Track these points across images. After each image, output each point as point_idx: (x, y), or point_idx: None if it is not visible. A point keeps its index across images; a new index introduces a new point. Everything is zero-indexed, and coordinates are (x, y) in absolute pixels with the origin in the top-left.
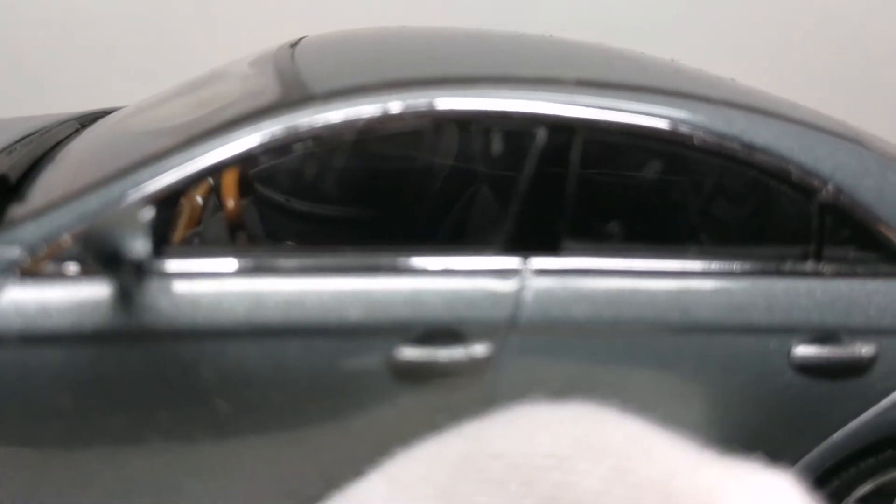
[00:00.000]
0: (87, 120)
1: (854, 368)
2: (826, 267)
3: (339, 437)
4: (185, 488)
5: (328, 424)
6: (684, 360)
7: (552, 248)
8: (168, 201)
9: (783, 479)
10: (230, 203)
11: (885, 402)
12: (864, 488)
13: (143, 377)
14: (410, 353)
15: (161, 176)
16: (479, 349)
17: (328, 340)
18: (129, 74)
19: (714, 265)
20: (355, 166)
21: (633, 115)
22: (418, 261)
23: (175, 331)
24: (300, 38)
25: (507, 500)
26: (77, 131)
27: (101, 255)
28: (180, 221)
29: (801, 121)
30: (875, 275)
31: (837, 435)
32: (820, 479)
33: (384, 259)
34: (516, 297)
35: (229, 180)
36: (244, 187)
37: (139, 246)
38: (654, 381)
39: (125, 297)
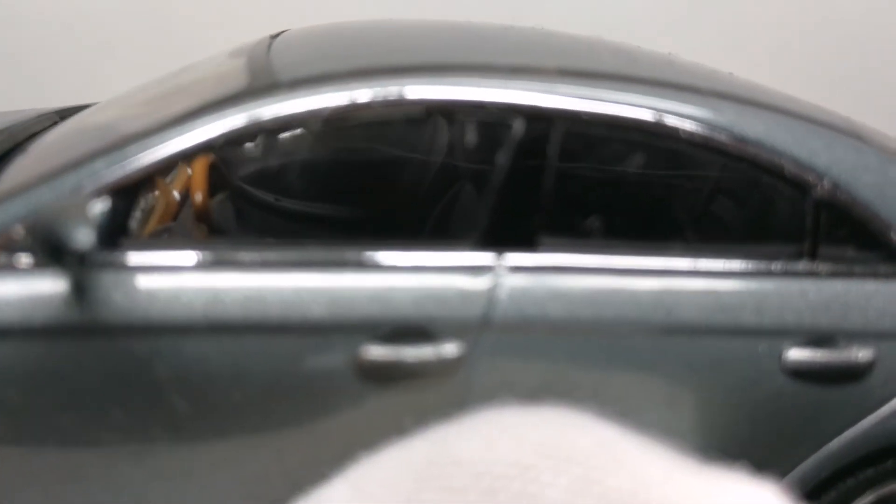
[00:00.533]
0: (68, 113)
1: (850, 374)
2: (821, 266)
3: (302, 439)
4: (142, 489)
5: (291, 425)
6: (668, 362)
7: (529, 244)
8: (128, 192)
9: (768, 490)
10: (198, 196)
11: (884, 410)
12: (864, 500)
13: (96, 374)
14: (377, 351)
15: (117, 166)
16: (449, 348)
17: (290, 338)
18: (130, 71)
19: (700, 263)
20: (326, 159)
21: (616, 105)
22: (386, 256)
23: (129, 326)
24: (282, 31)
25: None
26: (54, 124)
27: (44, 245)
28: (154, 214)
29: (797, 113)
30: (874, 275)
31: (834, 444)
32: (815, 490)
33: (350, 254)
34: (489, 295)
35: (200, 173)
36: (221, 181)
37: (83, 236)
38: (636, 384)
39: (77, 291)
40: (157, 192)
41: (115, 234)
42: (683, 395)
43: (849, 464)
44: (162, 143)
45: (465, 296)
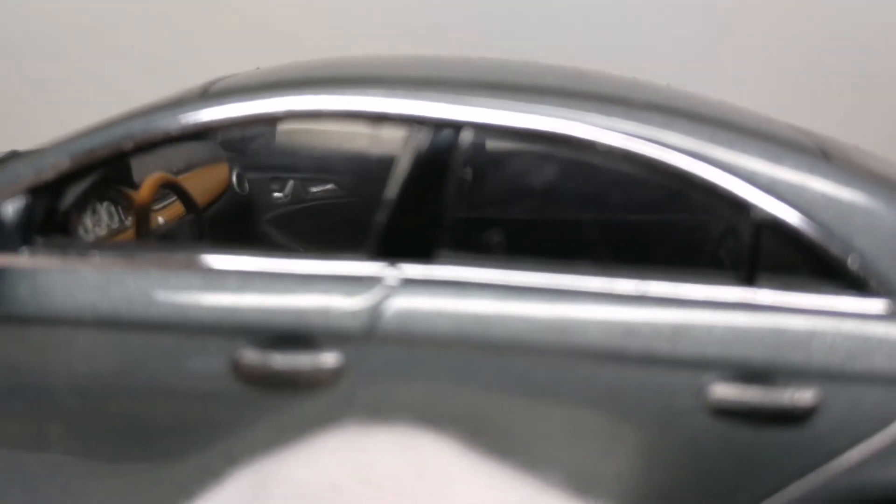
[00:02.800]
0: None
1: (786, 416)
2: (758, 294)
3: (182, 440)
4: (35, 487)
5: (172, 428)
6: (564, 389)
7: (424, 255)
8: (50, 191)
9: None
10: (141, 194)
11: (833, 466)
12: None
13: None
14: (253, 356)
15: (40, 169)
16: (329, 358)
17: (170, 337)
18: (135, 73)
19: (608, 284)
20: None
21: (525, 115)
22: (274, 262)
23: (26, 318)
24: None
25: None
26: None
27: None
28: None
29: (744, 127)
30: (823, 307)
31: (774, 500)
32: None
33: (235, 258)
34: (376, 306)
35: (146, 186)
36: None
37: None
38: (526, 411)
39: None
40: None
41: (30, 232)
42: (582, 426)
43: None
44: (76, 148)
45: (349, 305)
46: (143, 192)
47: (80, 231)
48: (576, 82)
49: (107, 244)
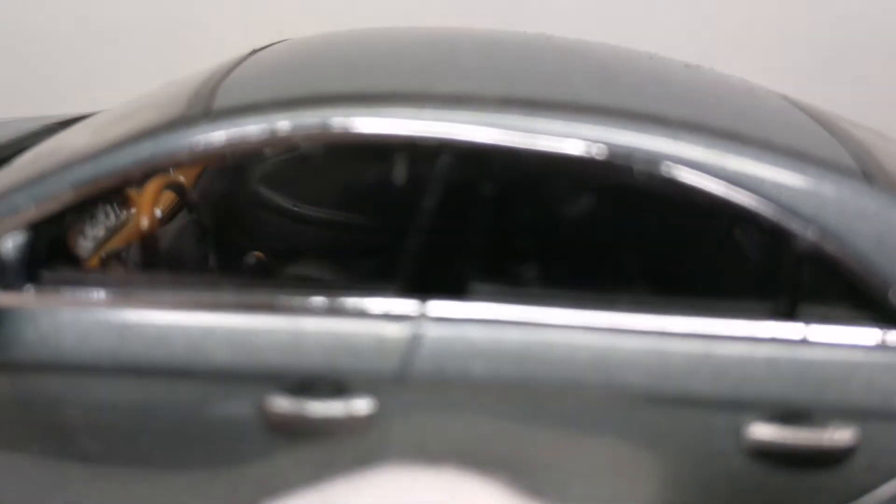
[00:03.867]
0: (72, 123)
1: (825, 458)
2: (798, 329)
3: (209, 488)
4: None
5: (197, 474)
6: (604, 430)
7: (456, 291)
8: (51, 223)
9: None
10: (144, 221)
11: (867, 500)
12: None
13: (7, 412)
14: (283, 404)
15: (37, 201)
16: (360, 405)
17: (194, 384)
18: (137, 74)
19: (649, 321)
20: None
21: (561, 139)
22: (298, 300)
23: (39, 364)
24: (276, 42)
25: None
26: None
27: None
28: (117, 236)
29: (783, 147)
30: (862, 342)
31: None
32: None
33: (260, 296)
34: (407, 347)
35: (149, 196)
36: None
37: None
38: (565, 453)
39: None
40: (125, 212)
41: (35, 267)
42: (621, 469)
43: None
44: (77, 178)
45: (380, 347)
46: (145, 209)
47: (81, 241)
48: (611, 88)
49: (119, 277)
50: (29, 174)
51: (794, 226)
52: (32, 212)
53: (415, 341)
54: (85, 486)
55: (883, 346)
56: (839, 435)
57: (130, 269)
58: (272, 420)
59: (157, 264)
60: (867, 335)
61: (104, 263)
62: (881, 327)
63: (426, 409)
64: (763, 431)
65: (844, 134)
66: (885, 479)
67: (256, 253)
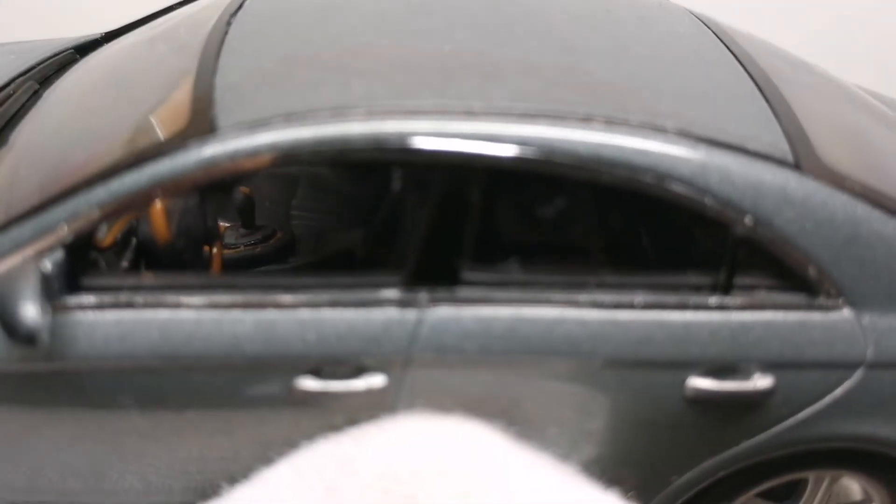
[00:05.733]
0: (86, 49)
1: (749, 400)
2: (733, 300)
3: (238, 451)
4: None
5: (236, 434)
6: (575, 390)
7: (451, 281)
8: (83, 238)
9: None
10: (161, 228)
11: (776, 429)
12: None
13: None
14: (310, 384)
15: (71, 219)
16: (376, 380)
17: (233, 372)
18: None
19: (614, 298)
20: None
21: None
22: (318, 296)
23: (90, 364)
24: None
25: None
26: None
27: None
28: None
29: (732, 144)
30: (781, 307)
31: (726, 454)
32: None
33: (278, 293)
34: (412, 330)
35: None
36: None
37: (29, 314)
38: (542, 407)
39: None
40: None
41: (75, 277)
42: (588, 417)
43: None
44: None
45: (388, 331)
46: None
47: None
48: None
49: (154, 282)
50: (52, 191)
51: (733, 215)
52: (65, 234)
53: (418, 325)
54: (138, 458)
55: (796, 309)
56: (761, 382)
57: (144, 244)
58: (300, 398)
59: (167, 237)
60: (786, 301)
61: (120, 244)
62: (799, 295)
63: (430, 380)
64: (700, 383)
65: (779, 99)
66: (795, 411)
67: (242, 188)
